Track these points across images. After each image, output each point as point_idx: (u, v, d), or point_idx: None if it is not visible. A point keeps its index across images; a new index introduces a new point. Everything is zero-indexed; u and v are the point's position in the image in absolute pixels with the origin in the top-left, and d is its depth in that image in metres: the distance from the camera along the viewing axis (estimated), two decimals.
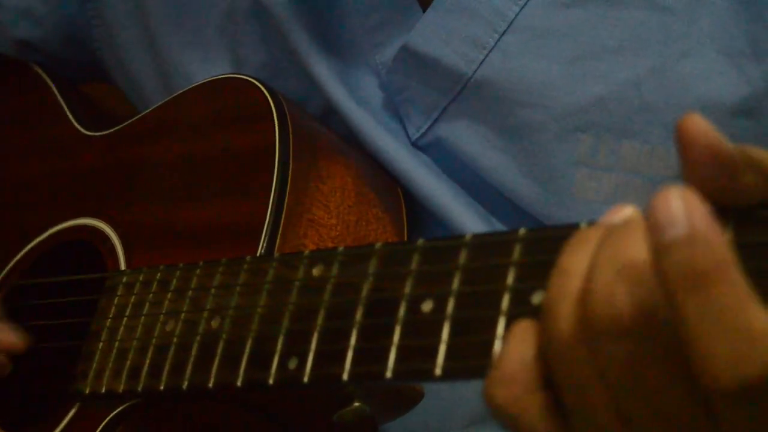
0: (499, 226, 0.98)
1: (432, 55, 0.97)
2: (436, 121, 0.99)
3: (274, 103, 0.93)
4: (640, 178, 0.92)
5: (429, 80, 0.98)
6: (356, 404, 0.79)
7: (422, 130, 1.00)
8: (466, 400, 0.97)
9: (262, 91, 0.94)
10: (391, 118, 1.01)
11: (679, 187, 0.54)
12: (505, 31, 0.95)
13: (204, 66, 1.10)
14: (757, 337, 0.52)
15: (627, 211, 0.59)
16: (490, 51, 0.95)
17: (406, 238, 0.97)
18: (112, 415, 0.85)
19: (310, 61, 1.02)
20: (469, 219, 0.97)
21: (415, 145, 1.01)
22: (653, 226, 0.53)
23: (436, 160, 1.00)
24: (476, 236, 0.68)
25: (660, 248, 0.53)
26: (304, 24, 1.02)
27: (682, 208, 0.53)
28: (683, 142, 0.56)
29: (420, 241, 0.71)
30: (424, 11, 0.98)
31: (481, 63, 0.95)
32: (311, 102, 1.03)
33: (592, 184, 0.93)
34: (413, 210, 0.99)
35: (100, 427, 0.85)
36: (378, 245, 0.73)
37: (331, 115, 1.02)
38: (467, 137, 0.97)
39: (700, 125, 0.55)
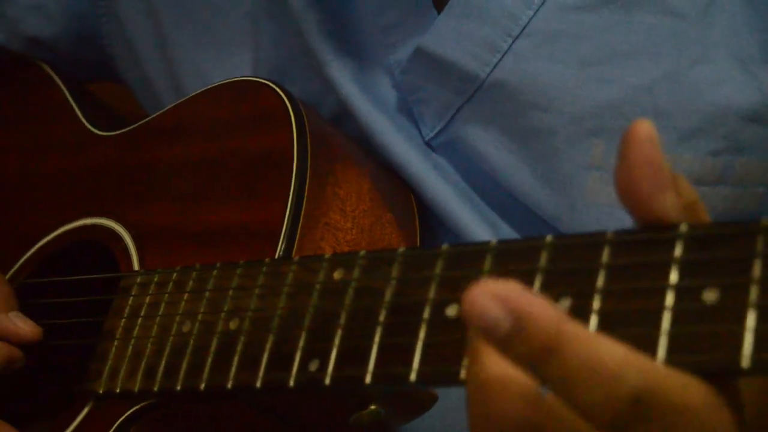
0: (504, 234, 0.99)
1: (446, 58, 0.97)
2: (449, 121, 0.99)
3: (291, 106, 0.93)
4: None
5: (443, 81, 0.98)
6: (372, 407, 0.79)
7: (436, 130, 1.00)
8: None
9: (278, 94, 0.94)
10: (404, 118, 1.01)
11: (478, 285, 0.57)
12: (518, 35, 0.95)
13: (219, 65, 1.10)
14: (615, 370, 0.56)
15: None
16: (503, 54, 0.95)
17: (418, 243, 0.97)
18: (125, 415, 0.85)
19: (325, 61, 1.02)
20: (475, 225, 0.97)
21: (429, 145, 1.01)
22: (483, 331, 0.57)
23: (450, 161, 1.01)
24: (502, 242, 0.68)
25: (499, 345, 0.57)
26: (319, 23, 1.02)
27: (495, 302, 0.57)
28: (631, 138, 0.60)
29: (444, 246, 0.71)
30: (438, 11, 0.98)
31: (494, 66, 0.95)
32: (325, 103, 1.03)
33: (604, 188, 0.93)
34: (424, 214, 0.99)
35: (114, 427, 0.85)
36: (401, 250, 0.73)
37: (344, 116, 1.02)
38: (480, 138, 0.98)
39: (651, 130, 0.60)
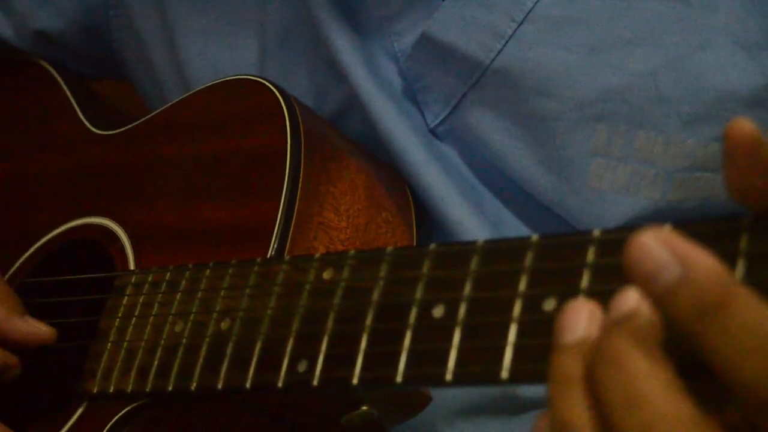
0: (506, 229, 0.98)
1: (450, 44, 0.96)
2: (454, 108, 0.99)
3: (285, 105, 0.92)
4: (655, 169, 0.92)
5: (448, 68, 0.98)
6: (364, 408, 0.79)
7: (440, 118, 1.00)
8: (450, 394, 0.96)
9: (273, 93, 0.94)
10: (410, 105, 1.01)
11: (649, 230, 0.53)
12: (522, 21, 0.94)
13: (229, 54, 1.10)
14: None
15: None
16: (507, 40, 0.95)
17: (415, 241, 0.96)
18: (119, 415, 0.84)
19: (335, 49, 1.01)
20: (470, 220, 0.96)
21: (433, 132, 1.00)
22: (644, 278, 0.53)
23: (454, 149, 1.00)
24: (488, 242, 0.67)
25: (660, 295, 0.53)
26: (330, 11, 1.02)
27: (664, 248, 0.53)
28: (728, 133, 0.55)
29: (432, 246, 0.70)
30: None
31: (498, 52, 0.95)
32: (333, 93, 1.03)
33: (607, 174, 0.93)
34: (422, 212, 0.98)
35: (107, 427, 0.84)
36: (389, 249, 0.73)
37: (352, 105, 1.01)
38: (485, 125, 0.97)
39: (748, 123, 0.55)
